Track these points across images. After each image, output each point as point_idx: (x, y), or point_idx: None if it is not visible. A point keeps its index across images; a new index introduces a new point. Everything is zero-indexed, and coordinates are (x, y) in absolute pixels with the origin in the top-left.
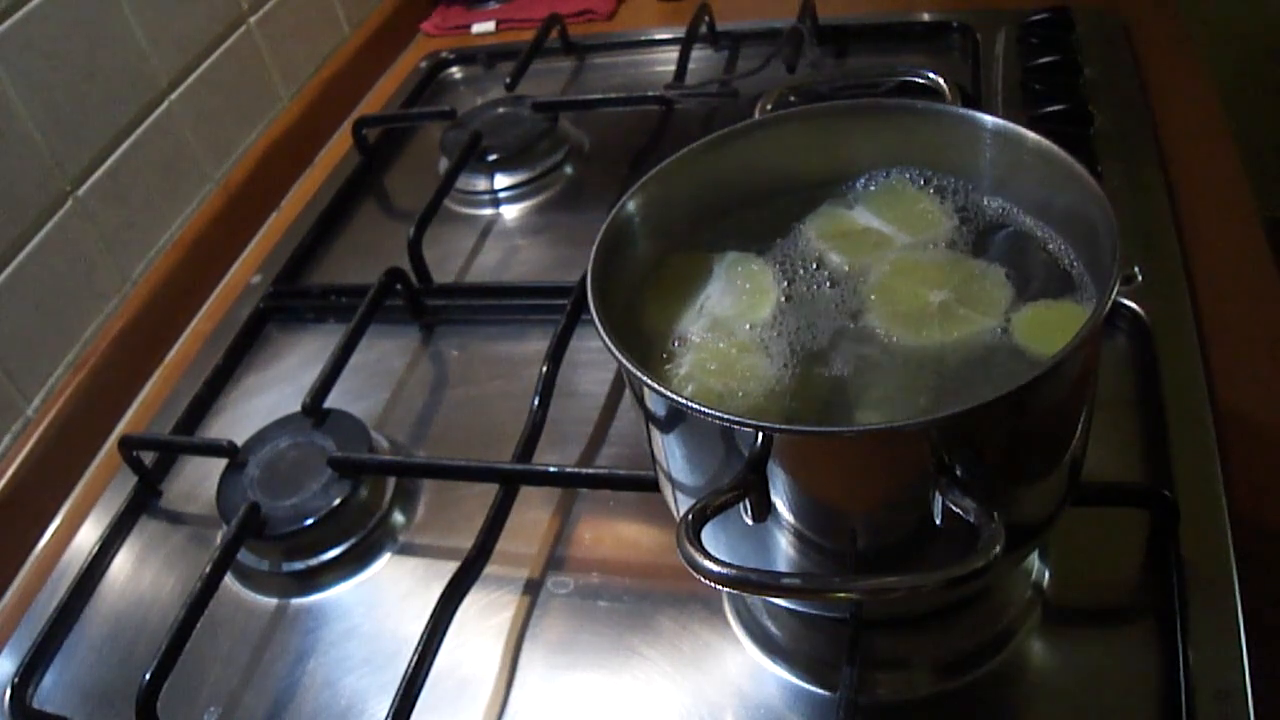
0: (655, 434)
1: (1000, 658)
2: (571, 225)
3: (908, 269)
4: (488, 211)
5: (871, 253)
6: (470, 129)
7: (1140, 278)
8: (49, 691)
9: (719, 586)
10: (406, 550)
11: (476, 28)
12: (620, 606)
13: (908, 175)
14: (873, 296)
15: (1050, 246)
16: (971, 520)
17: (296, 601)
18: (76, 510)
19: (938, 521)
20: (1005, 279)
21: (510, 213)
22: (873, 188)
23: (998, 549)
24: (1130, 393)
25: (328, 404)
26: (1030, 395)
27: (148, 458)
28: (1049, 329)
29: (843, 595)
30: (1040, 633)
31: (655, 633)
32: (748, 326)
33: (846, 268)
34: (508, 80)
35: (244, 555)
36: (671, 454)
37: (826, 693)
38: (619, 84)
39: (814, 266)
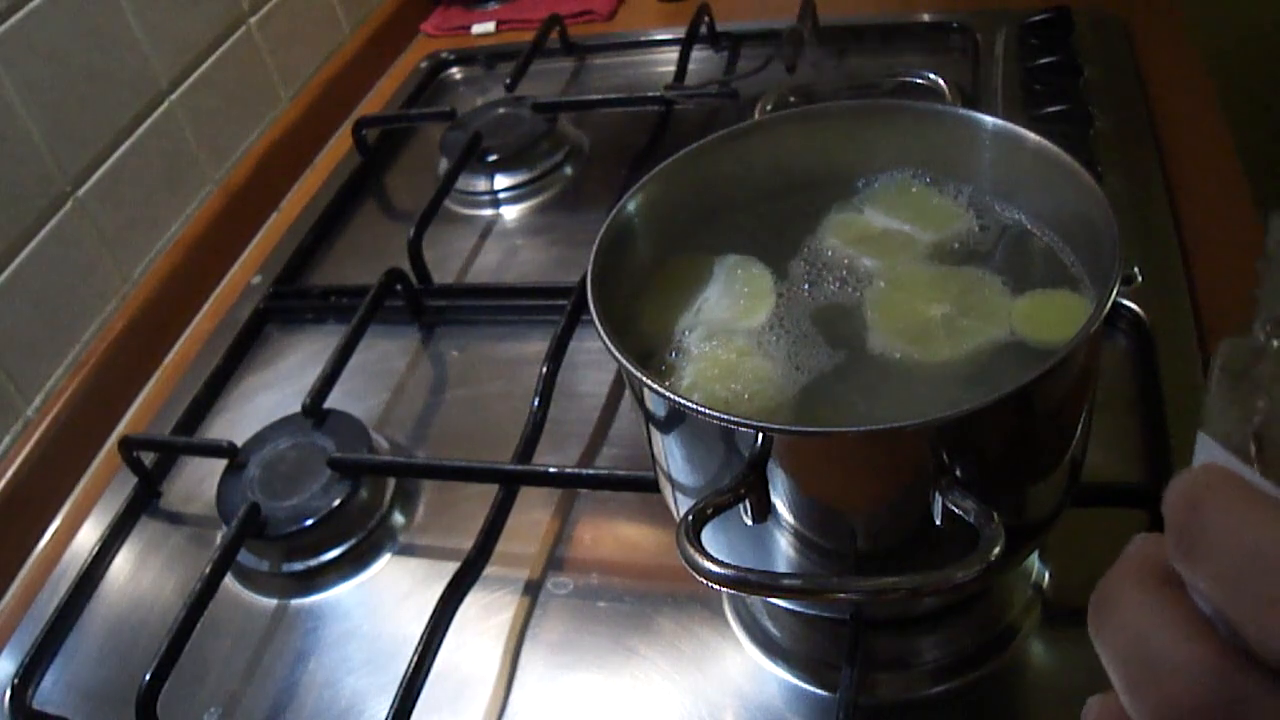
0: (655, 435)
1: (1000, 658)
2: (571, 226)
3: (902, 284)
4: (488, 212)
5: (898, 254)
6: (470, 129)
7: (1140, 278)
8: (49, 691)
9: (719, 587)
10: (406, 551)
11: (476, 28)
12: (620, 607)
13: (911, 175)
14: (873, 315)
15: (1050, 247)
16: (971, 521)
17: (296, 602)
18: (76, 510)
19: (938, 522)
20: (1002, 285)
21: (510, 213)
22: (877, 189)
23: (998, 550)
24: (1130, 393)
25: (328, 404)
26: (1030, 396)
27: (148, 458)
28: (1047, 317)
29: (842, 596)
30: (1040, 633)
31: (655, 633)
32: (744, 331)
33: (869, 272)
34: (508, 81)
35: (244, 556)
36: (671, 455)
37: (826, 693)
38: (619, 85)
39: (843, 273)
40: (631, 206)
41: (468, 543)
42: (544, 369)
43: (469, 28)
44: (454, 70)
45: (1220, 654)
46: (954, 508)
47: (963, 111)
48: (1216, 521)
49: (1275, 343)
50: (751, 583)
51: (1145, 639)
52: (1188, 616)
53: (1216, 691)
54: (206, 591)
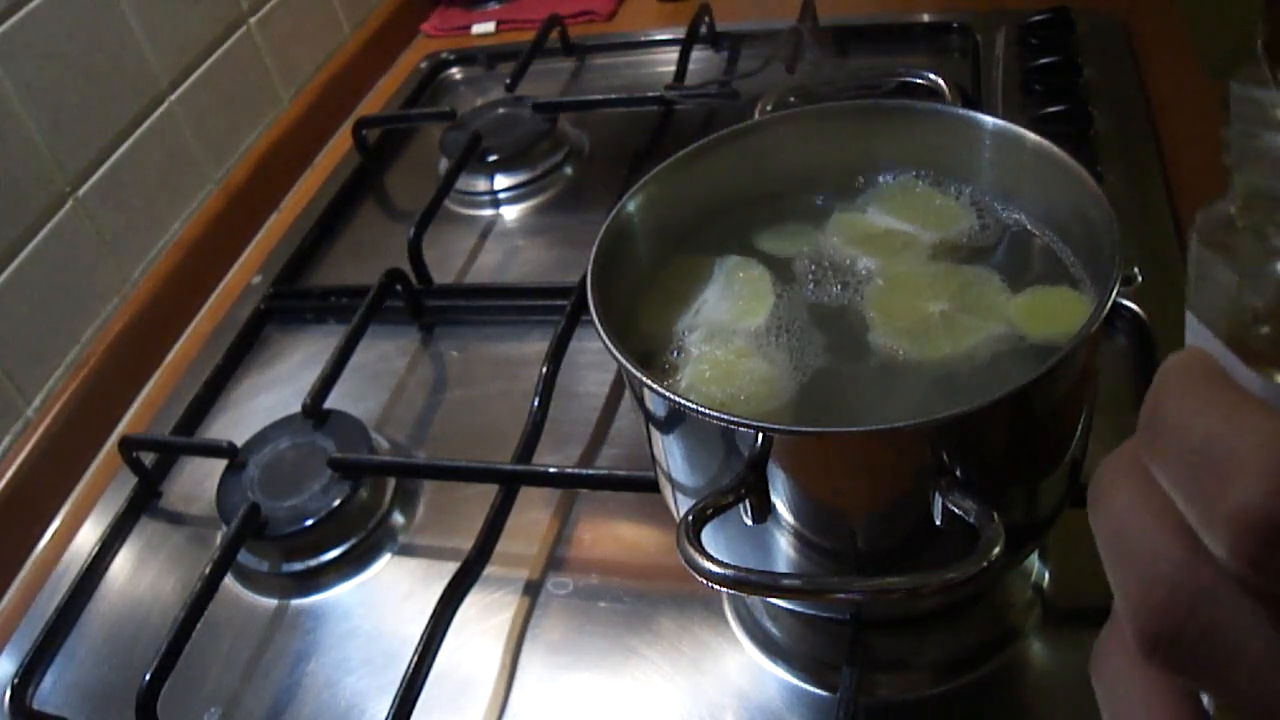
0: (655, 435)
1: (1000, 658)
2: (571, 226)
3: (901, 282)
4: (488, 212)
5: (900, 253)
6: (470, 129)
7: (1140, 278)
8: (49, 692)
9: (719, 587)
10: (406, 551)
11: (476, 28)
12: (620, 607)
13: (912, 174)
14: (872, 313)
15: (1050, 247)
16: (972, 521)
17: (296, 602)
18: (76, 510)
19: (938, 522)
20: (1001, 282)
21: (510, 213)
22: (879, 188)
23: (998, 550)
24: (1130, 393)
25: (328, 405)
26: (1030, 396)
27: (148, 458)
28: (1047, 312)
29: (843, 596)
30: (1040, 633)
31: (655, 633)
32: (743, 332)
33: (870, 271)
34: (508, 81)
35: (244, 556)
36: (671, 455)
37: (827, 693)
38: (619, 85)
39: (845, 273)
40: (631, 206)
41: (468, 543)
42: (544, 369)
43: (469, 28)
44: (454, 70)
45: (1187, 548)
46: (954, 508)
47: (963, 111)
48: (1173, 417)
49: (1245, 216)
50: (751, 583)
51: (1125, 528)
52: (1166, 507)
53: (1180, 585)
54: (206, 592)
